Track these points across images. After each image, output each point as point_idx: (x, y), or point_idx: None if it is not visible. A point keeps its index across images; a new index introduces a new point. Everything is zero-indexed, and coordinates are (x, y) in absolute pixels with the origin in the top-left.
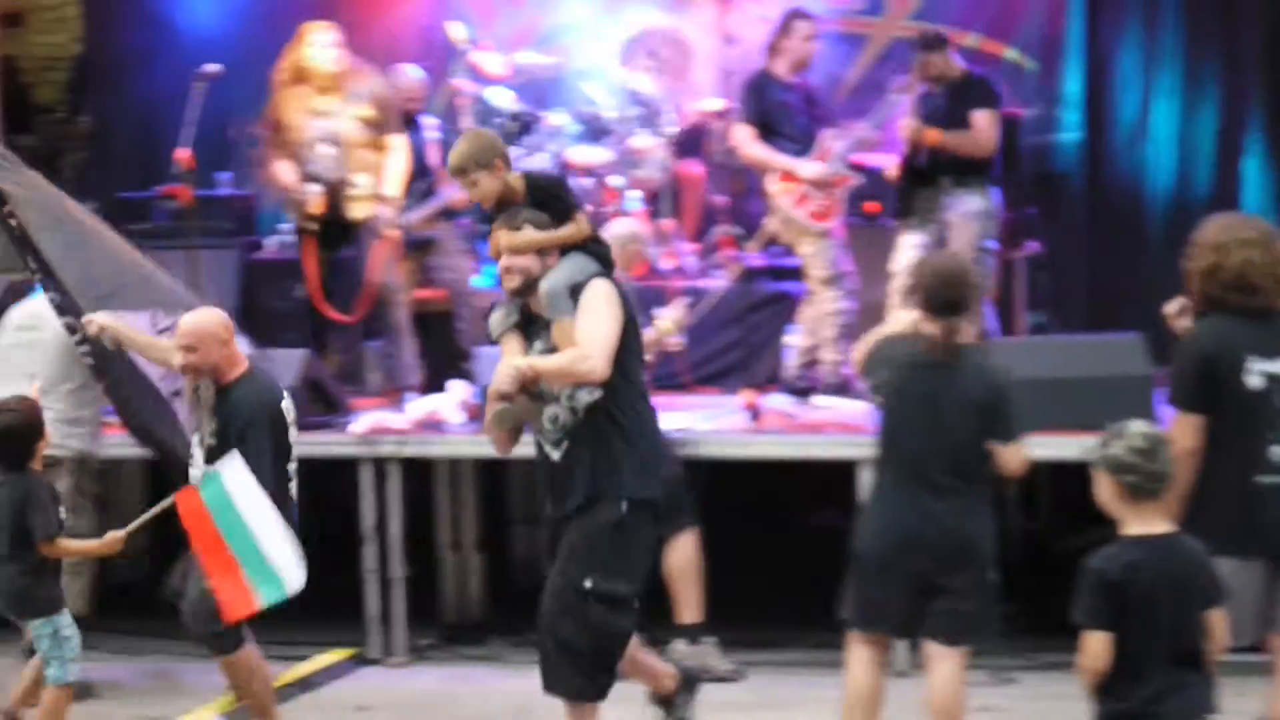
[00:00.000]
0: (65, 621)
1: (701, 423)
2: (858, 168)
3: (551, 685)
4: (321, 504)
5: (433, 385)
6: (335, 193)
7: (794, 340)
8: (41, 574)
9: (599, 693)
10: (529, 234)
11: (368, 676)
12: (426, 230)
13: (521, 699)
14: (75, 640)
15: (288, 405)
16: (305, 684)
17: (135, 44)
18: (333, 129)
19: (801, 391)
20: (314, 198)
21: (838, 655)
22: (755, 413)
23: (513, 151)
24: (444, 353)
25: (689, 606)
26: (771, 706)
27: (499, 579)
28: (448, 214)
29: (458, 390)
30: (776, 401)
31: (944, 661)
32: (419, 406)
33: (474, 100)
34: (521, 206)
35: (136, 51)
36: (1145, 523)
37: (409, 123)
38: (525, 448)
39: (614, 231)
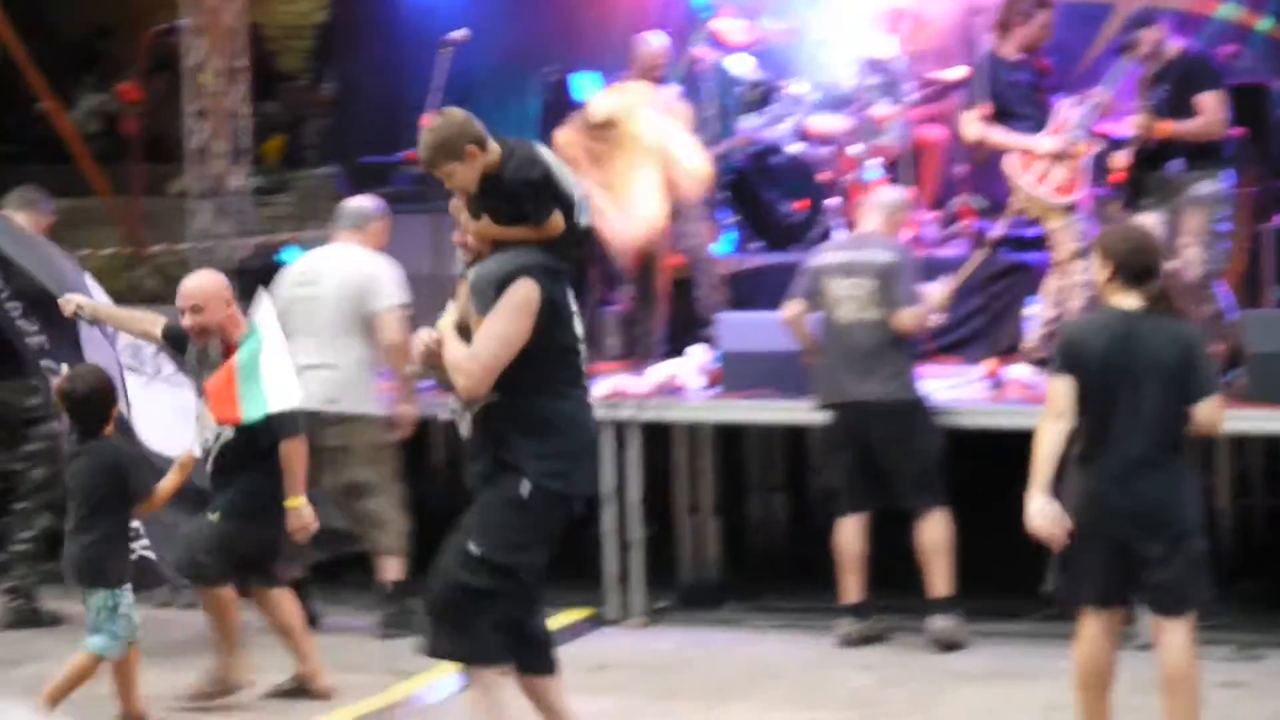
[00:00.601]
0: (127, 599)
1: (944, 391)
2: (1101, 136)
3: (423, 647)
4: None
5: (672, 351)
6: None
7: (1036, 311)
8: (114, 543)
9: (468, 656)
10: (484, 225)
11: (605, 637)
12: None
13: (758, 664)
14: (133, 619)
15: None
16: None
17: (378, 10)
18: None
19: (1042, 362)
20: None
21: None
22: (997, 382)
23: (753, 120)
24: (683, 318)
25: (941, 580)
26: (1009, 677)
27: (736, 543)
28: None
29: (697, 355)
30: (1018, 372)
31: (1169, 633)
32: (658, 371)
33: (714, 68)
34: (483, 195)
35: (379, 18)
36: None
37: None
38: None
39: (879, 199)
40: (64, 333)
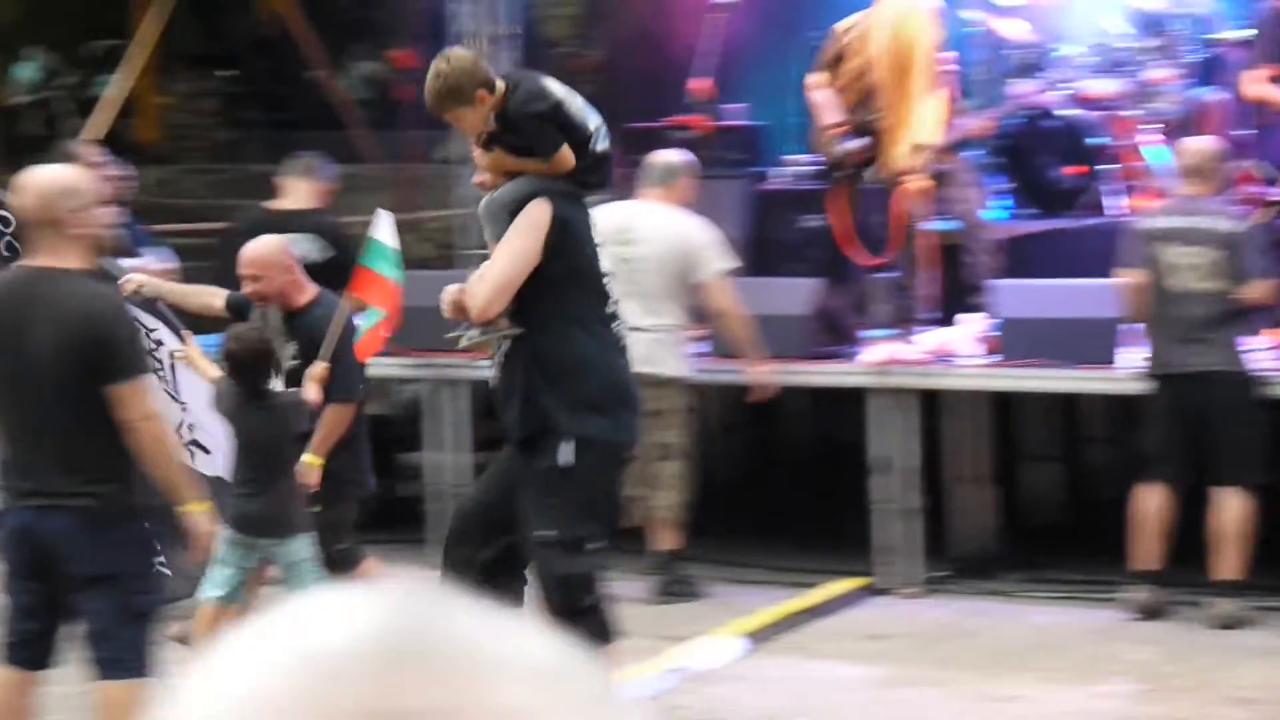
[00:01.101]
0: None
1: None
2: None
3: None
4: (829, 434)
5: (944, 318)
6: (877, 146)
7: None
8: (298, 494)
9: (601, 639)
10: (499, 157)
11: (880, 606)
12: (940, 163)
13: (1037, 635)
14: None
15: None
16: (815, 612)
17: None
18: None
19: None
20: (851, 151)
21: None
22: None
23: (1026, 82)
24: (954, 285)
25: (1229, 564)
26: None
27: (1010, 513)
28: (961, 146)
29: (970, 323)
30: None
31: None
32: (930, 338)
33: (986, 31)
34: (495, 129)
35: None
36: None
37: None
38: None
39: (1193, 155)
40: None
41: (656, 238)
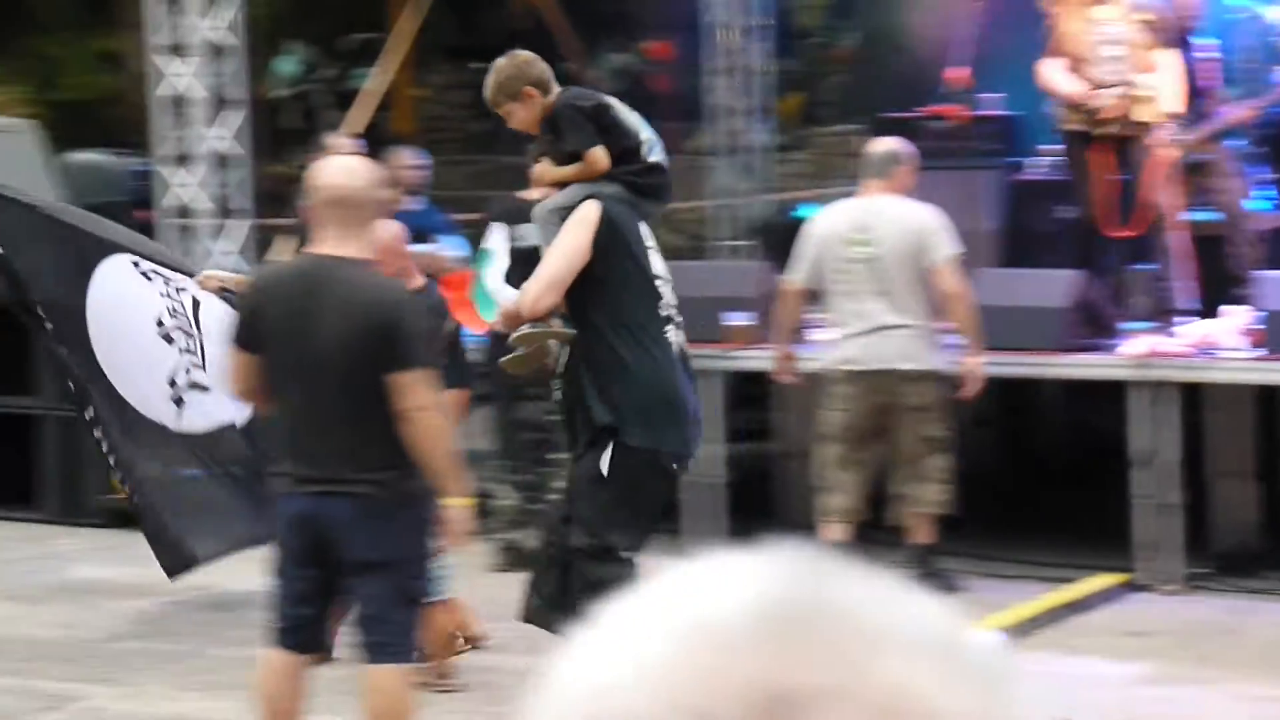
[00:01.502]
0: None
1: None
2: None
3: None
4: (1087, 426)
5: (1205, 310)
6: (1125, 96)
7: None
8: None
9: None
10: (544, 168)
11: (1139, 602)
12: (1201, 152)
13: None
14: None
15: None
16: (1075, 607)
17: None
18: (1115, 32)
19: None
20: (1107, 101)
21: None
22: None
23: None
24: (1218, 276)
25: None
26: None
27: (1273, 510)
28: (1223, 135)
29: (1235, 315)
30: None
31: None
32: (1193, 331)
33: (1252, 17)
34: (543, 136)
35: None
36: None
37: (1182, 42)
38: None
39: None
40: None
41: (891, 232)
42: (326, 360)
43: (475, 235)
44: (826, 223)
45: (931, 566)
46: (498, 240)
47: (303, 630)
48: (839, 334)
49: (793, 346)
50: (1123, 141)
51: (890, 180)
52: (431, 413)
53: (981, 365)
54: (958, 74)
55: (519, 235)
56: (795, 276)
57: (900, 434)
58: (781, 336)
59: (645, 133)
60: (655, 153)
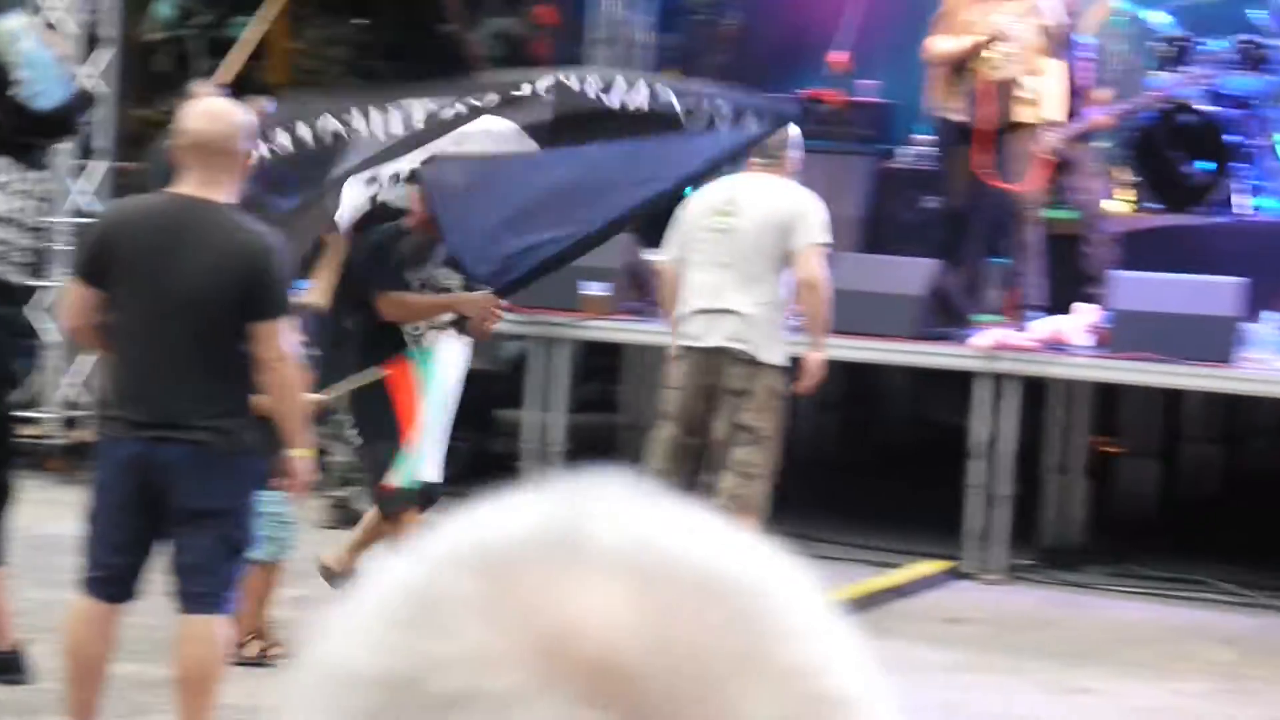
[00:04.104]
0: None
1: None
2: None
3: None
4: (934, 415)
5: (1057, 306)
6: (1005, 90)
7: None
8: None
9: None
10: None
11: (962, 590)
12: (1067, 151)
13: (1117, 629)
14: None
15: None
16: (898, 592)
17: None
18: (1010, 29)
19: None
20: (996, 53)
21: None
22: None
23: (1165, 75)
24: (1072, 274)
25: None
26: None
27: (1103, 506)
28: (1090, 135)
29: (1085, 313)
30: None
31: None
32: (1043, 326)
33: (1129, 20)
34: None
35: None
36: None
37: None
38: (1156, 376)
39: None
40: None
41: (759, 210)
42: (184, 302)
43: None
44: (700, 197)
45: None
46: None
47: (116, 580)
48: (686, 309)
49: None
50: (997, 135)
51: (775, 163)
52: (289, 362)
53: (822, 360)
54: (838, 58)
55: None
56: (667, 254)
57: (717, 419)
58: (669, 319)
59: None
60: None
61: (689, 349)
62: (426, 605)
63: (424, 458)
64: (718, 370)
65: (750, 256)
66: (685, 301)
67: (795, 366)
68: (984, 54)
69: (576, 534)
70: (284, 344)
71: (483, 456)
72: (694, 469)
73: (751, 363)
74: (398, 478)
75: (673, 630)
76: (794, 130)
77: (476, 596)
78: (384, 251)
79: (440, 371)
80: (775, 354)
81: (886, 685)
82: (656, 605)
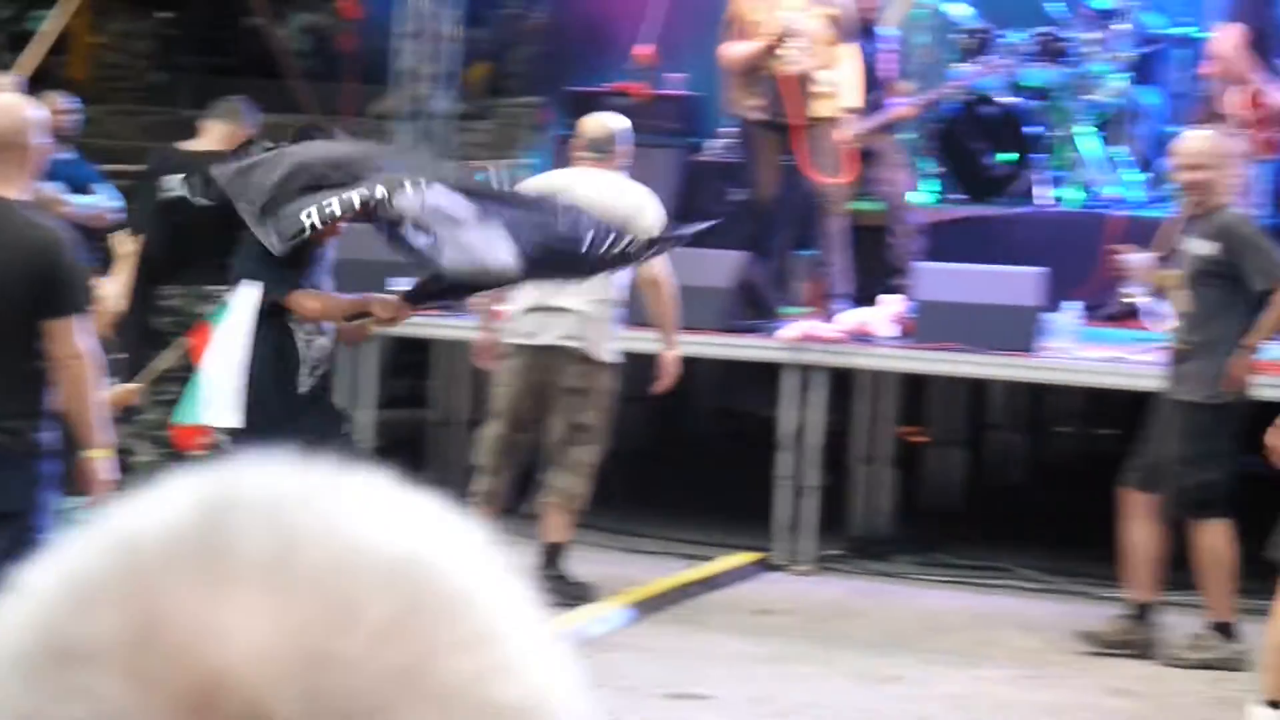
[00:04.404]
0: None
1: None
2: None
3: None
4: (739, 408)
5: (863, 297)
6: (800, 84)
7: None
8: None
9: None
10: None
11: (772, 582)
12: (871, 142)
13: (924, 618)
14: None
15: None
16: (709, 584)
17: None
18: (798, 25)
19: None
20: (791, 51)
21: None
22: None
23: (966, 67)
24: (877, 265)
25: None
26: None
27: (910, 496)
28: (893, 127)
29: (890, 304)
30: None
31: None
32: (849, 317)
33: (931, 12)
34: None
35: None
36: None
37: (865, 33)
38: (960, 366)
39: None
40: None
41: (589, 204)
42: None
43: (131, 188)
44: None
45: (558, 568)
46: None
47: None
48: (518, 307)
49: (492, 327)
50: (798, 129)
51: (605, 157)
52: (84, 361)
53: (677, 357)
54: (644, 51)
55: (168, 186)
56: None
57: (553, 418)
58: (481, 318)
59: None
60: None
61: (520, 347)
62: (60, 652)
63: (214, 400)
64: (552, 369)
65: None
66: (515, 298)
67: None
68: (776, 52)
69: (218, 544)
70: (79, 342)
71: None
72: (520, 466)
73: (588, 361)
74: (187, 416)
75: (325, 657)
76: (623, 122)
77: (115, 640)
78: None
79: (231, 317)
80: (609, 351)
81: (583, 687)
82: (305, 628)
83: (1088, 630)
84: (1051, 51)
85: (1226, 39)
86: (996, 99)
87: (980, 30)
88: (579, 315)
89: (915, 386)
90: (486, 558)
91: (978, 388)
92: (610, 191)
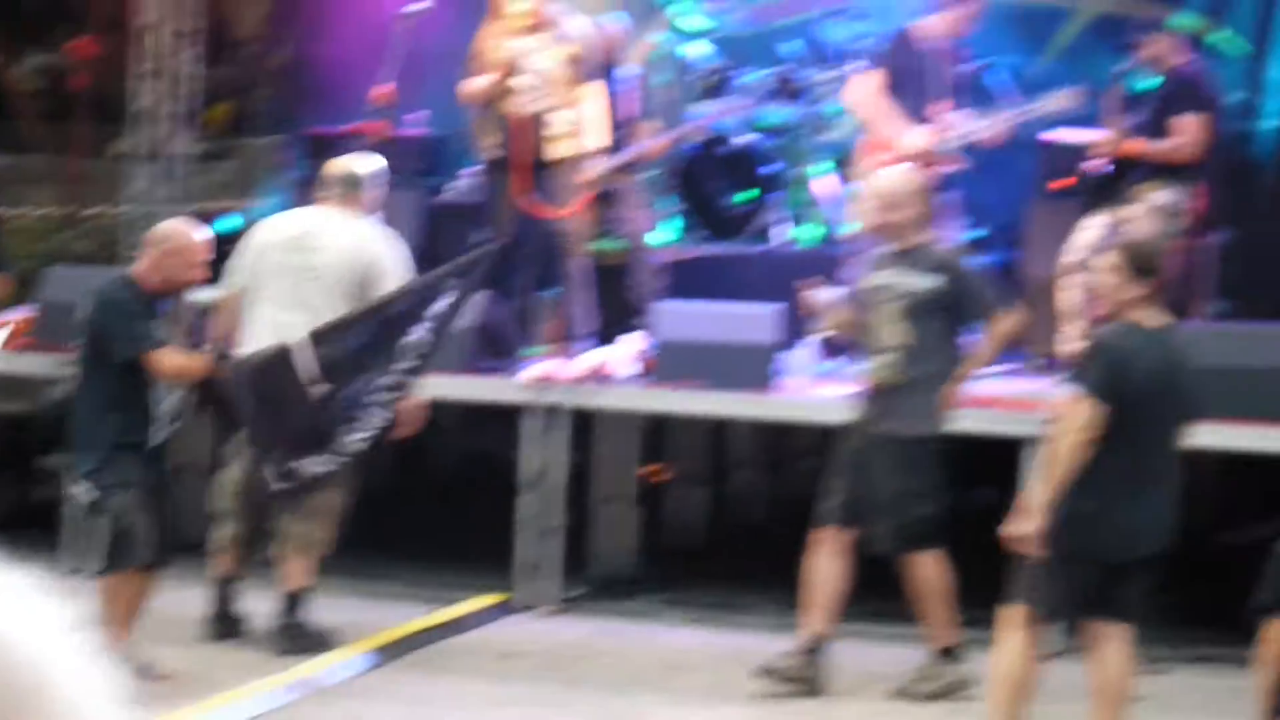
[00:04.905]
0: None
1: None
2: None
3: None
4: (483, 450)
5: (605, 338)
6: (537, 123)
7: None
8: None
9: None
10: None
11: (516, 624)
12: (613, 182)
13: (668, 656)
14: None
15: None
16: (454, 628)
17: None
18: (539, 65)
19: None
20: (529, 85)
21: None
22: None
23: (706, 107)
24: (618, 305)
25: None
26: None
27: (653, 535)
28: (634, 167)
29: (631, 343)
30: None
31: (1114, 642)
32: (590, 357)
33: (671, 52)
34: None
35: None
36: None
37: (606, 72)
38: (700, 404)
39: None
40: None
41: (335, 249)
42: None
43: None
44: (270, 229)
45: (295, 616)
46: None
47: None
48: (253, 345)
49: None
50: (540, 168)
51: (350, 199)
52: None
53: (420, 403)
54: (382, 91)
55: None
56: (230, 285)
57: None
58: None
59: None
60: None
61: None
62: None
63: None
64: None
65: (329, 299)
66: (254, 338)
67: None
68: (509, 88)
69: None
70: None
71: (25, 503)
72: (259, 512)
73: None
74: None
75: None
76: (372, 165)
77: None
78: (126, 307)
79: None
80: None
81: None
82: None
83: (765, 665)
84: (788, 91)
85: (862, 85)
86: (735, 138)
87: (718, 70)
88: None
89: (658, 425)
90: (67, 642)
91: (720, 426)
92: (348, 235)
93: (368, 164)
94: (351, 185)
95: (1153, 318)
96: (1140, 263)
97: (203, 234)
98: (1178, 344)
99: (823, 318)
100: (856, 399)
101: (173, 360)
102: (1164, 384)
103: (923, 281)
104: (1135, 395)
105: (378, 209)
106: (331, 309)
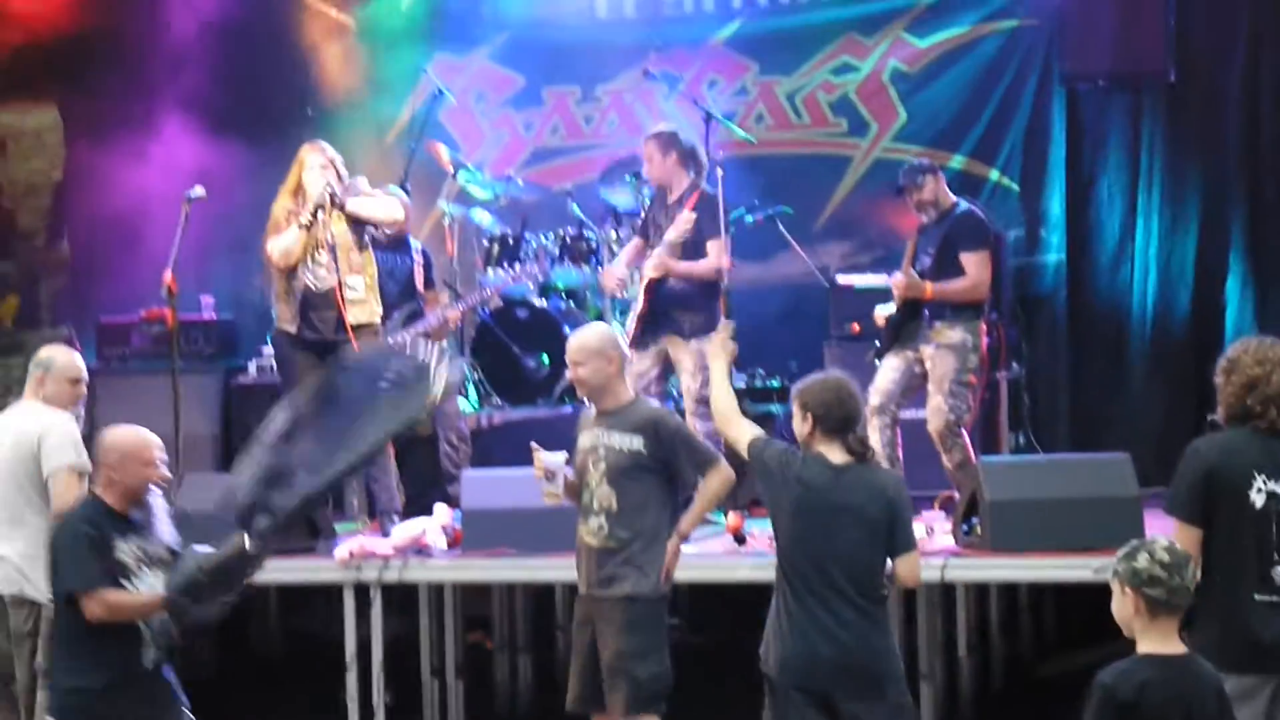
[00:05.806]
0: None
1: None
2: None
3: None
4: (302, 631)
5: (419, 508)
6: (332, 296)
7: None
8: None
9: None
10: None
11: None
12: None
13: None
14: None
15: None
16: None
17: (116, 167)
18: (328, 235)
19: None
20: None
21: None
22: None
23: (497, 274)
24: (427, 476)
25: None
26: None
27: (481, 706)
28: (429, 335)
29: (440, 514)
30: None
31: None
32: (403, 530)
33: (459, 222)
34: None
35: (118, 176)
36: (1161, 642)
37: (398, 244)
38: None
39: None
40: None
41: (6, 441)
42: None
43: None
44: None
45: None
46: None
47: None
48: None
49: None
50: (335, 344)
51: (38, 386)
52: None
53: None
54: (167, 278)
55: None
56: None
57: (17, 664)
58: None
59: None
60: None
61: None
62: None
63: None
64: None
65: (10, 490)
66: None
67: None
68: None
69: None
70: None
71: None
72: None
73: (22, 604)
74: None
75: None
76: (62, 352)
77: None
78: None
79: None
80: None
81: None
82: None
83: None
84: (577, 252)
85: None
86: (529, 301)
87: (507, 235)
88: (12, 563)
89: (481, 592)
90: None
91: (544, 591)
92: (20, 422)
93: (56, 351)
94: (35, 370)
95: (835, 454)
96: (808, 401)
97: None
98: (847, 480)
99: (552, 481)
100: (577, 563)
101: None
102: (825, 518)
103: (626, 442)
104: (795, 528)
105: (73, 395)
106: (18, 505)
